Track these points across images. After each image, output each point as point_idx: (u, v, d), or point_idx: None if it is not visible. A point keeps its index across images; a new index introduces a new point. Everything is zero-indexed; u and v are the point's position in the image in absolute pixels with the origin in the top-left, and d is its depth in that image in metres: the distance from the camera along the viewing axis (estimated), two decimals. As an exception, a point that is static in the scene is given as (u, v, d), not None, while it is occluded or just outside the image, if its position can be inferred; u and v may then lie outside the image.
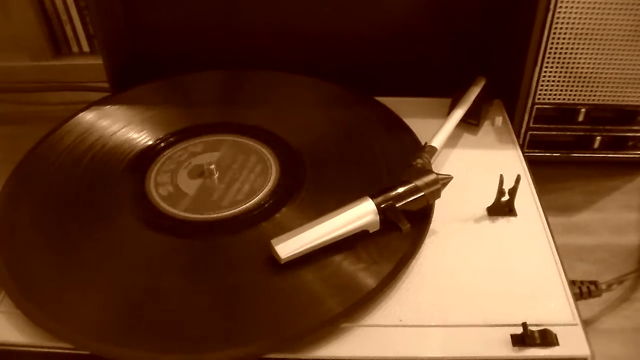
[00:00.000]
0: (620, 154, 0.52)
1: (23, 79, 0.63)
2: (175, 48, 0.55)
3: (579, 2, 0.44)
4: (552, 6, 0.44)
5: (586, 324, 0.35)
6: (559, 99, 0.49)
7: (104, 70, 0.53)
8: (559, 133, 0.51)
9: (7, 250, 0.37)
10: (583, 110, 0.49)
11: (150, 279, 0.36)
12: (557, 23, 0.45)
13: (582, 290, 0.39)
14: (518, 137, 0.49)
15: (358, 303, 0.34)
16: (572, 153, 0.52)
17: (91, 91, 0.61)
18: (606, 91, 0.48)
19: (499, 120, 0.49)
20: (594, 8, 0.44)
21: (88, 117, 0.47)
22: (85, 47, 0.65)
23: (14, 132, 0.59)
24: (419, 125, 0.46)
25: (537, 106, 0.49)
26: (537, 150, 0.51)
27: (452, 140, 0.47)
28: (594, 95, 0.48)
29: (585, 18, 0.44)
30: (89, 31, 0.64)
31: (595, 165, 0.52)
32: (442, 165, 0.45)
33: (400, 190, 0.38)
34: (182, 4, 0.53)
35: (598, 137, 0.50)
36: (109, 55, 0.52)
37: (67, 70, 0.65)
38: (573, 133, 0.51)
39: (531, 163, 0.45)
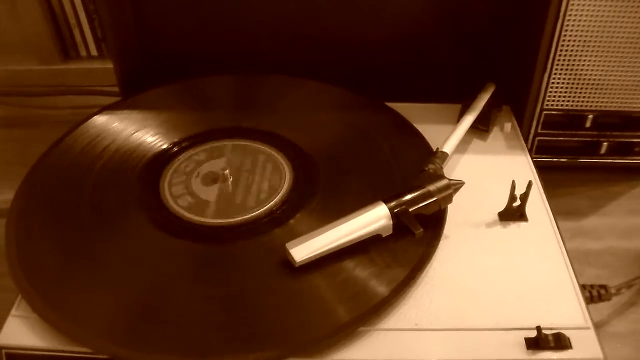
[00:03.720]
0: (626, 159, 0.52)
1: (31, 82, 0.64)
2: (185, 52, 0.55)
3: (587, 10, 0.44)
4: (561, 14, 0.44)
5: (596, 327, 0.35)
6: (566, 105, 0.49)
7: (112, 74, 0.53)
8: (567, 139, 0.51)
9: (23, 253, 0.37)
10: (590, 116, 0.49)
11: (166, 284, 0.36)
12: (566, 31, 0.45)
13: (592, 294, 0.39)
14: (526, 142, 0.49)
15: (373, 308, 0.34)
16: (579, 158, 0.52)
17: (100, 95, 0.61)
18: (613, 97, 0.48)
19: (508, 126, 0.50)
20: (602, 16, 0.45)
21: (101, 120, 0.47)
22: (94, 51, 0.66)
23: (22, 135, 0.59)
24: (429, 131, 0.47)
25: (545, 112, 0.49)
26: (544, 156, 0.52)
27: (462, 146, 0.47)
28: (601, 102, 0.49)
29: (594, 26, 0.45)
30: (97, 35, 0.65)
31: (601, 170, 0.53)
32: (452, 170, 0.45)
33: (413, 195, 0.38)
34: (192, 7, 0.53)
35: (605, 143, 0.51)
36: (118, 59, 0.52)
37: (76, 74, 0.65)
38: (580, 139, 0.51)
39: (538, 168, 0.46)
